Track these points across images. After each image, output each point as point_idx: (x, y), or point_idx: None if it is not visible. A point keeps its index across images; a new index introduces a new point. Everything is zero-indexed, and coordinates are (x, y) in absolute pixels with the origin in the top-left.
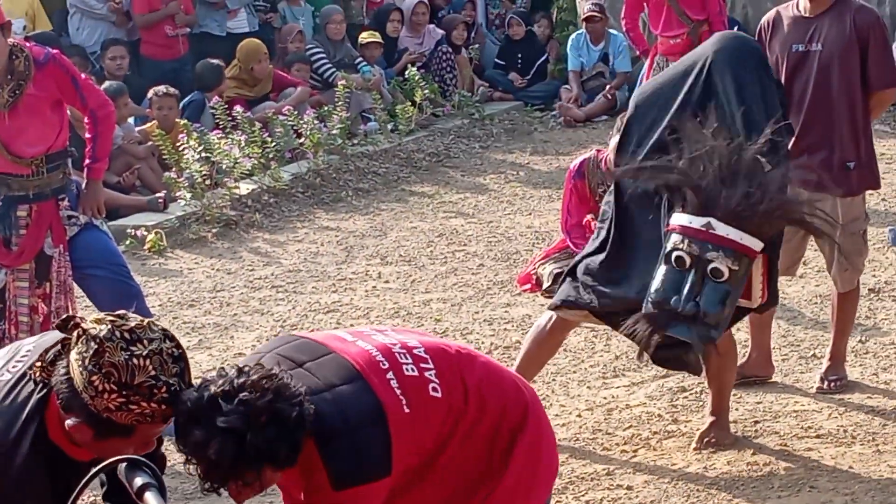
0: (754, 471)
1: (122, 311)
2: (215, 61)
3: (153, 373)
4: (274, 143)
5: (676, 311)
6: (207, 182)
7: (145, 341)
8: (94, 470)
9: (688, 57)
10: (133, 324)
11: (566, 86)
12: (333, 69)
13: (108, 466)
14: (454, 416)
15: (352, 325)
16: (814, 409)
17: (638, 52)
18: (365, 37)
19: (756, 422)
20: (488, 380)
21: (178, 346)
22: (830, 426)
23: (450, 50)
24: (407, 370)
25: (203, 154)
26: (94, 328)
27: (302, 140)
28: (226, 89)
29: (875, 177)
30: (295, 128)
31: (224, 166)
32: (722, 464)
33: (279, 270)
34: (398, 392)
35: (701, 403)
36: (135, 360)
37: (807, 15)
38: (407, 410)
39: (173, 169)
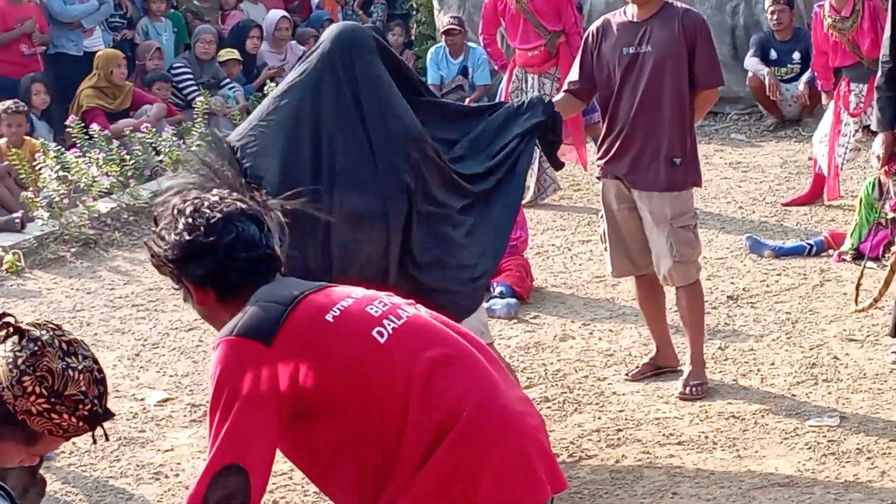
0: (617, 479)
1: (58, 323)
2: None
3: (83, 388)
4: (133, 161)
5: None
6: (65, 201)
7: (80, 356)
8: None
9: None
10: (70, 337)
11: None
12: (196, 89)
13: None
14: (391, 375)
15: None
16: (675, 417)
17: (497, 67)
18: (223, 54)
19: (619, 430)
20: (447, 369)
21: (102, 370)
22: (692, 433)
23: None
24: (368, 308)
25: (60, 173)
26: (34, 331)
27: (161, 157)
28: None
29: (699, 173)
30: (154, 145)
31: (82, 185)
32: (585, 472)
33: (140, 289)
34: (335, 305)
35: (564, 413)
36: (70, 372)
37: (635, 20)
38: (328, 319)
39: (30, 188)
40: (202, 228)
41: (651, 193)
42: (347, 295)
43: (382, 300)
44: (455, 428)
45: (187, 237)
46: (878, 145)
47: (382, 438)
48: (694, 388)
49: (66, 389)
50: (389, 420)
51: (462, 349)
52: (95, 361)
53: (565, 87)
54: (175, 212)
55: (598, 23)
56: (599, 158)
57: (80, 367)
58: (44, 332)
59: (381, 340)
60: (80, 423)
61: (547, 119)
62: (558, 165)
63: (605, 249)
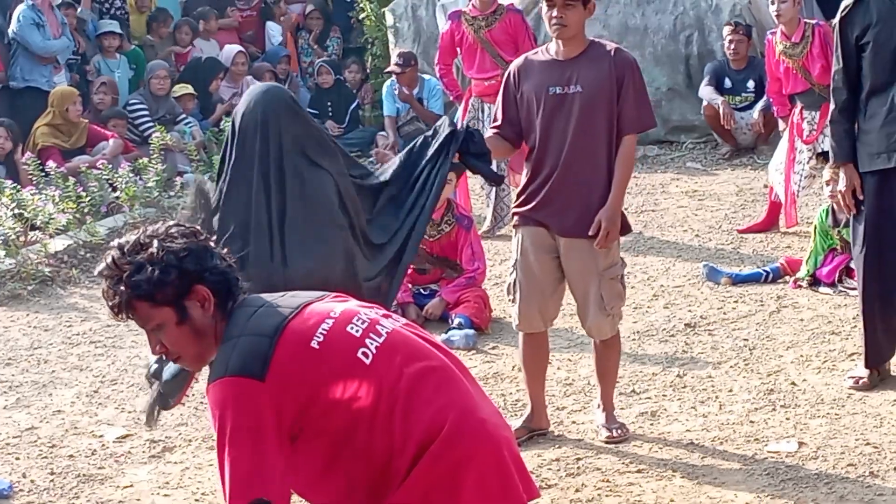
0: None
1: None
2: None
3: None
4: (89, 198)
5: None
6: (22, 238)
7: None
8: None
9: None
10: None
11: (382, 132)
12: (152, 125)
13: None
14: (378, 393)
15: None
16: (634, 444)
17: (452, 97)
18: (178, 90)
19: (578, 458)
20: (428, 384)
21: None
22: (651, 460)
23: None
24: (349, 328)
25: (16, 210)
26: None
27: (117, 194)
28: None
29: (626, 221)
30: (110, 181)
31: (38, 222)
32: (546, 502)
33: (97, 326)
34: (317, 330)
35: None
36: None
37: (561, 58)
38: (314, 346)
39: None
40: (196, 235)
41: (581, 241)
42: (326, 315)
43: (360, 316)
44: (437, 440)
45: (197, 243)
46: (842, 182)
47: (371, 454)
48: (619, 431)
49: None
50: (377, 436)
51: (439, 363)
52: None
53: (492, 127)
54: (160, 233)
55: (518, 61)
56: (521, 205)
57: None
58: None
59: (367, 362)
60: None
61: (456, 133)
62: (498, 179)
63: (513, 301)
